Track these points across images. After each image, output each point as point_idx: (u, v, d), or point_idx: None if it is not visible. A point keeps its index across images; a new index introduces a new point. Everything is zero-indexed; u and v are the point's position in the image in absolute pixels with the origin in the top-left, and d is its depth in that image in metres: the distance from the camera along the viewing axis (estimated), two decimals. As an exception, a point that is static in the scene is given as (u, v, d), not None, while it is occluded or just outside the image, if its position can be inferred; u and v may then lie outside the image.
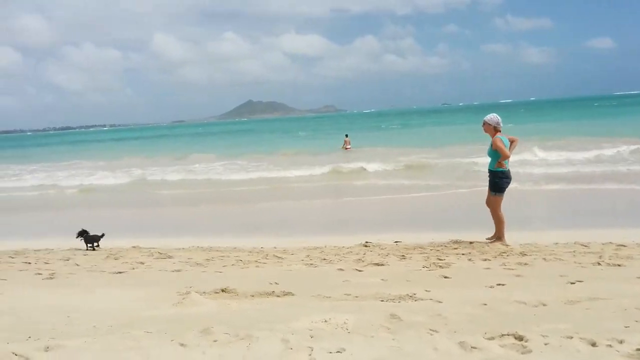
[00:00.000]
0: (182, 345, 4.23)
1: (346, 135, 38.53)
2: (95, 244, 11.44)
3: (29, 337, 4.77)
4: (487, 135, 10.34)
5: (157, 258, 9.92)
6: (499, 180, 10.24)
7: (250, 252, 10.43)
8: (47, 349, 4.33)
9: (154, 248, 11.07)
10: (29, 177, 31.52)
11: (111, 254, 10.48)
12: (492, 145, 10.14)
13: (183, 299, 6.05)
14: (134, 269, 8.97)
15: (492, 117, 10.23)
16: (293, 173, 24.97)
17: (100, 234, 11.47)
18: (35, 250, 11.40)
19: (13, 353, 4.21)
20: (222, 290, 6.61)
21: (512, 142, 10.29)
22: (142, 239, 12.19)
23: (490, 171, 10.37)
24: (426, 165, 25.22)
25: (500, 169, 10.17)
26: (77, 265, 9.50)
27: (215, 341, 4.29)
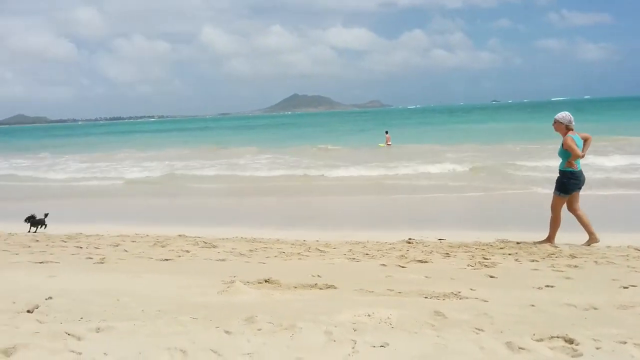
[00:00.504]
0: (227, 332, 4.31)
1: (386, 132, 38.13)
2: (41, 226, 12.68)
3: (81, 318, 4.97)
4: (558, 134, 9.96)
5: (202, 247, 10.13)
6: (566, 181, 9.85)
7: (293, 244, 10.51)
8: (98, 330, 4.50)
9: (199, 237, 11.32)
10: (82, 166, 32.74)
11: (158, 242, 10.78)
12: (562, 144, 9.79)
13: (228, 287, 6.15)
14: (180, 256, 9.19)
15: (564, 115, 9.85)
16: (334, 171, 24.66)
17: (44, 215, 12.71)
18: (86, 236, 11.85)
19: (66, 333, 4.39)
20: (266, 281, 6.69)
21: (585, 140, 9.87)
22: (188, 228, 12.52)
23: (560, 171, 10.01)
24: (473, 164, 24.68)
25: (570, 169, 9.77)
26: (126, 251, 9.81)
27: (259, 330, 4.35)
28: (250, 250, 9.77)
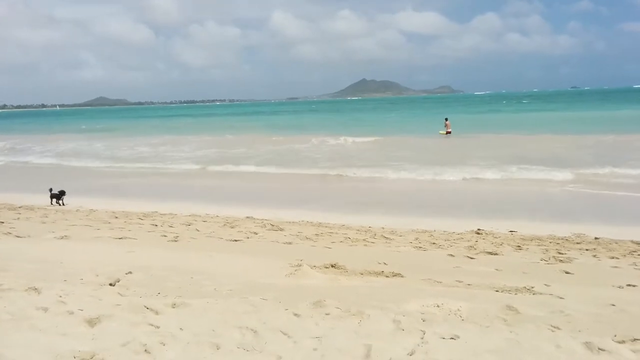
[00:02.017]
0: (295, 315, 4.38)
1: (446, 119, 36.81)
2: (59, 201, 14.50)
3: (159, 293, 5.22)
4: None
5: (270, 230, 10.34)
6: None
7: (359, 230, 10.51)
8: (174, 305, 4.71)
9: (266, 220, 11.56)
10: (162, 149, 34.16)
11: (228, 223, 11.11)
12: None
13: (295, 270, 6.25)
14: (248, 238, 9.43)
15: None
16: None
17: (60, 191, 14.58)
18: (161, 214, 12.40)
19: (145, 307, 4.62)
20: (332, 266, 6.73)
21: None
22: (256, 209, 12.83)
23: None
24: (527, 155, 23.53)
25: None
26: (198, 230, 10.18)
27: (327, 314, 4.39)
28: (316, 234, 9.87)
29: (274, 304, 4.70)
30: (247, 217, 11.93)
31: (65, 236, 8.95)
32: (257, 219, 11.69)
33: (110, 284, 5.53)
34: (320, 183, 19.29)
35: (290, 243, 9.00)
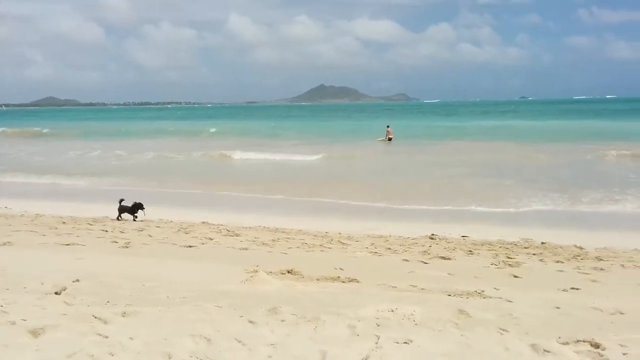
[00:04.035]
0: (251, 322, 4.34)
1: (388, 126, 38.29)
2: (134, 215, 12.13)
3: (108, 301, 5.05)
4: None
5: (226, 235, 10.21)
6: None
7: (315, 235, 10.53)
8: (124, 314, 4.57)
9: (222, 225, 11.42)
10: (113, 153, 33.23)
11: (182, 228, 10.91)
12: None
13: (251, 276, 6.20)
14: (203, 244, 9.28)
15: None
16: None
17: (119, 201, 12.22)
18: (112, 219, 12.05)
19: (93, 316, 4.47)
20: (288, 272, 6.72)
21: None
22: (212, 214, 12.66)
23: None
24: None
25: None
26: (150, 236, 9.95)
27: (283, 321, 4.37)
28: (273, 240, 9.82)
29: (229, 311, 4.64)
30: (203, 223, 11.75)
31: (8, 242, 8.55)
32: (213, 224, 11.54)
33: (56, 293, 5.32)
34: (276, 186, 19.18)
35: (246, 249, 8.92)
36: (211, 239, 9.76)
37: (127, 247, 8.77)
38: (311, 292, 5.65)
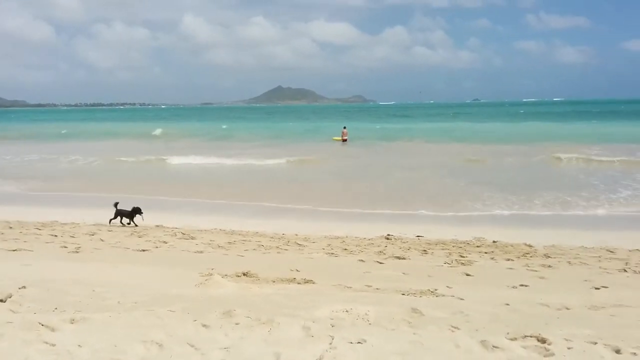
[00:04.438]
0: (204, 326, 4.28)
1: (344, 127, 39.30)
2: (131, 220, 11.68)
3: (56, 308, 4.88)
4: None
5: (180, 238, 10.05)
6: None
7: (272, 237, 10.49)
8: (72, 321, 4.42)
9: (177, 228, 11.22)
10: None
11: (135, 232, 10.66)
12: None
13: (206, 280, 6.12)
14: (157, 247, 9.10)
15: None
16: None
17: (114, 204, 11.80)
18: (61, 224, 11.65)
19: (39, 323, 4.30)
20: (244, 274, 6.67)
21: None
22: (167, 217, 12.40)
23: None
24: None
25: None
26: (102, 240, 9.68)
27: (237, 324, 4.33)
28: (229, 242, 9.73)
29: (182, 315, 4.56)
30: (157, 226, 11.51)
31: (-51, 249, 8.16)
32: (168, 228, 11.32)
33: (1, 300, 5.09)
34: (233, 187, 19.01)
35: (201, 252, 8.80)
36: (165, 242, 9.59)
37: (77, 252, 8.50)
38: (266, 294, 5.63)
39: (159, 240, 9.69)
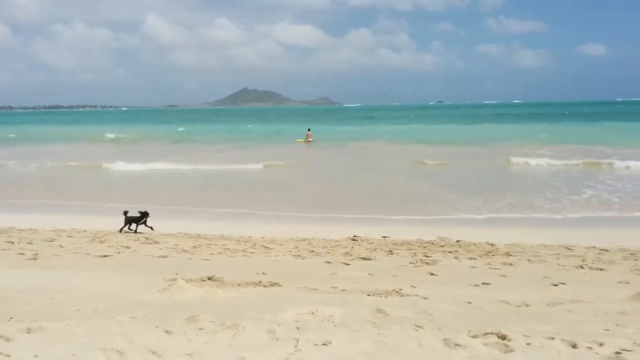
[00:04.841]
0: (167, 332, 4.21)
1: (308, 130, 40.08)
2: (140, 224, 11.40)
3: (11, 317, 4.72)
4: None
5: (144, 243, 9.86)
6: None
7: (238, 240, 10.41)
8: (29, 330, 4.29)
9: (140, 233, 11.01)
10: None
11: (97, 237, 10.40)
12: None
13: (169, 285, 6.02)
14: (119, 253, 8.91)
15: None
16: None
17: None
18: (19, 230, 11.27)
19: (-6, 333, 4.16)
20: (209, 278, 6.60)
21: None
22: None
23: None
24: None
25: None
26: (62, 247, 9.41)
27: (201, 329, 4.28)
28: (194, 246, 9.60)
29: (144, 322, 4.48)
30: (120, 231, 11.25)
31: None
32: (130, 232, 11.09)
33: (-47, 311, 4.91)
34: (200, 192, 18.78)
35: (165, 256, 8.66)
36: (128, 247, 9.40)
37: (35, 259, 8.25)
38: (232, 298, 5.59)
39: (121, 246, 9.49)
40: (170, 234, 11.01)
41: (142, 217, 11.31)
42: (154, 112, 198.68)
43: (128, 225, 11.36)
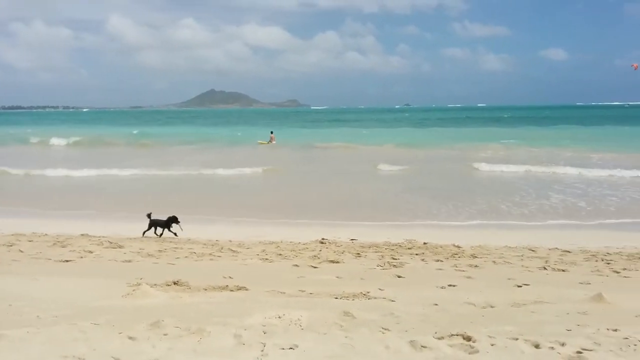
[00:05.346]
0: (130, 338, 4.12)
1: (271, 132, 40.50)
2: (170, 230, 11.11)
3: (-33, 325, 4.54)
4: None
5: (107, 247, 9.64)
6: None
7: (205, 244, 10.28)
8: (-15, 338, 4.13)
9: (104, 237, 10.74)
10: None
11: (58, 242, 10.11)
12: None
13: (133, 290, 5.89)
14: (82, 257, 8.68)
15: None
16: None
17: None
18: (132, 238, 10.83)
19: (-52, 342, 3.99)
20: (174, 283, 6.49)
21: None
22: (93, 224, 11.87)
23: None
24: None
25: None
26: (21, 251, 9.12)
27: (165, 335, 4.20)
28: (159, 250, 9.44)
29: (107, 328, 4.37)
30: (82, 235, 10.95)
31: None
32: (94, 237, 10.80)
33: None
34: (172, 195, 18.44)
35: (130, 261, 8.48)
36: (91, 252, 9.16)
37: (-8, 264, 7.95)
38: (197, 302, 5.50)
39: (84, 250, 9.24)
40: (135, 238, 10.79)
41: (168, 222, 10.98)
42: (116, 114, 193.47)
43: (153, 229, 11.07)
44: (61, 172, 23.59)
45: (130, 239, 10.70)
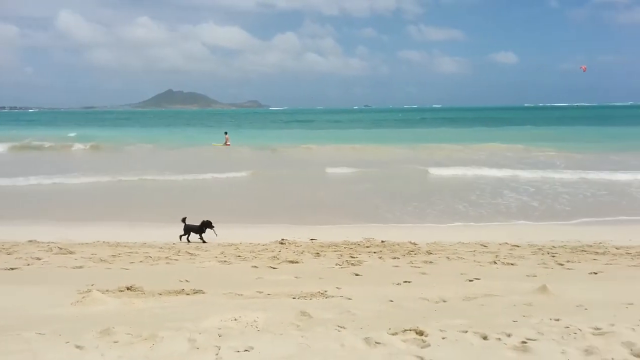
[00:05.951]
0: (78, 347, 3.98)
1: (225, 133, 39.66)
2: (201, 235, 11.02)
3: None
4: None
5: (57, 253, 9.31)
6: None
7: (162, 248, 10.09)
8: None
9: (53, 243, 10.38)
10: None
11: (3, 249, 9.70)
12: None
13: (83, 297, 5.71)
14: (29, 265, 8.36)
15: None
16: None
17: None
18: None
19: None
20: (127, 288, 6.34)
21: None
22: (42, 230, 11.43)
23: None
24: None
25: None
26: (-36, 260, 8.71)
27: (115, 342, 4.09)
28: (113, 255, 9.20)
29: (53, 337, 4.21)
30: (30, 241, 10.53)
31: None
32: (42, 243, 10.42)
33: None
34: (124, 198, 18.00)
35: (81, 267, 8.23)
36: (39, 258, 8.83)
37: None
38: (151, 308, 5.39)
39: (31, 257, 8.89)
40: (86, 243, 10.48)
41: (202, 227, 10.87)
42: (63, 114, 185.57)
43: (187, 235, 10.96)
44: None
45: (82, 244, 10.38)
